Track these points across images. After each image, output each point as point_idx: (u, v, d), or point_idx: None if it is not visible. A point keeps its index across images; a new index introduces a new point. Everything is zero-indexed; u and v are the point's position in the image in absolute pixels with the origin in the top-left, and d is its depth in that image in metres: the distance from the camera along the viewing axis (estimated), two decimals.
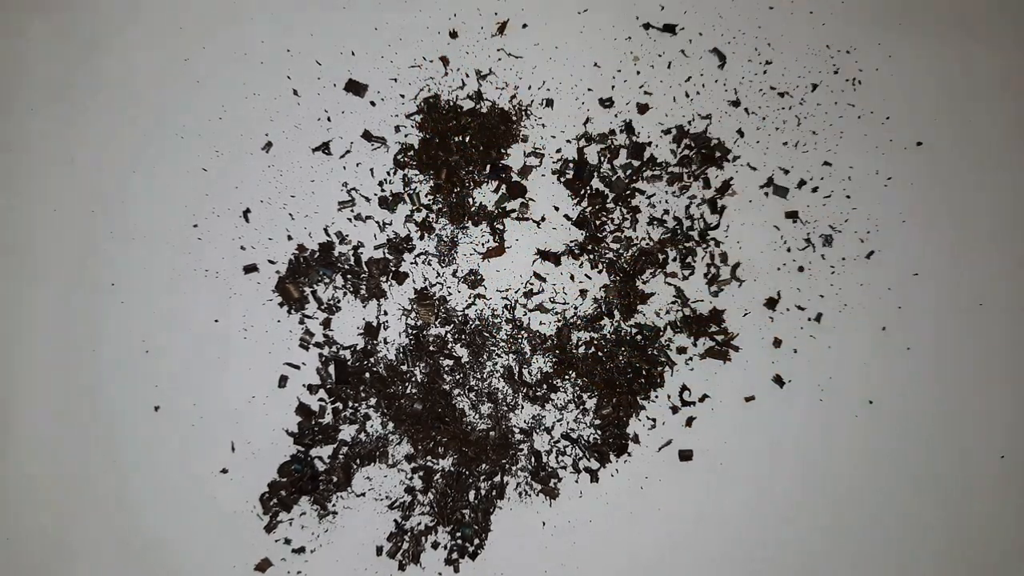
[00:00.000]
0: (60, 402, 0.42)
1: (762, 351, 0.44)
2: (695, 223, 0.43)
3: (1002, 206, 0.44)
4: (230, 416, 0.42)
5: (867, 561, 0.43)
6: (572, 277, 0.43)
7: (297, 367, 0.43)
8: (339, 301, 0.43)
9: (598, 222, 0.43)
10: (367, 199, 0.43)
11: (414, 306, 0.42)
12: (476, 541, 0.42)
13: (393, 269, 0.43)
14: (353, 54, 0.43)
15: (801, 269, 0.44)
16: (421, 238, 0.43)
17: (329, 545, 0.42)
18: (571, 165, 0.43)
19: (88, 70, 0.43)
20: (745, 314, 0.44)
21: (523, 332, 0.43)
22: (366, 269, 0.43)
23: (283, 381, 0.42)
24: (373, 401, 0.42)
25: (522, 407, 0.43)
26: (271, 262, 0.43)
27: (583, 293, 0.43)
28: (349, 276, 0.43)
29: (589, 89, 0.43)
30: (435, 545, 0.42)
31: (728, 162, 0.43)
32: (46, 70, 0.43)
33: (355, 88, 0.43)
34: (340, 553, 0.42)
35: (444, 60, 0.43)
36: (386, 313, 0.43)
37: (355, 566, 0.42)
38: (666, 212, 0.43)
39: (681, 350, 0.43)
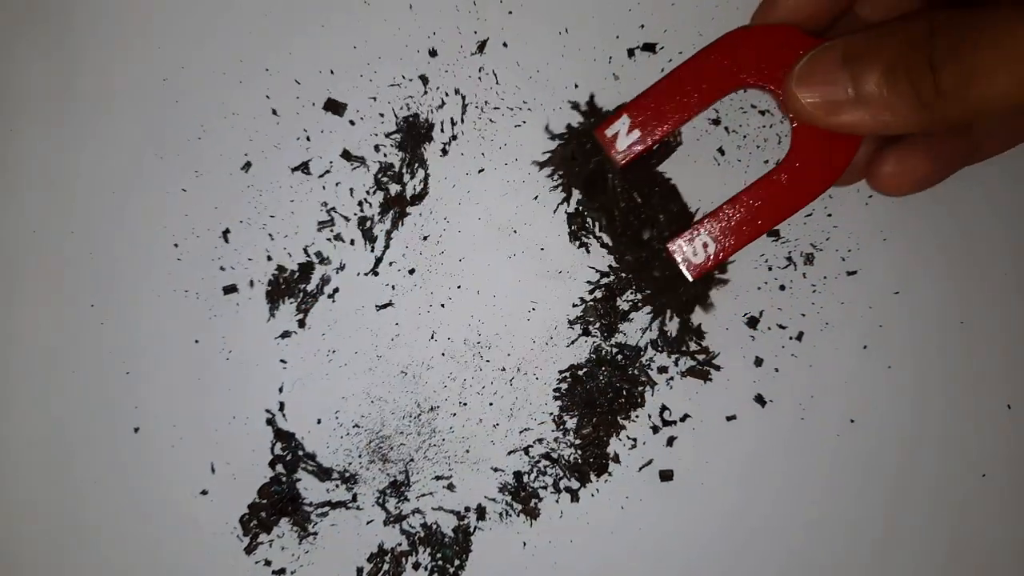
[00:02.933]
0: (38, 423, 0.42)
1: (743, 370, 0.43)
2: None
3: (984, 224, 0.44)
4: (210, 437, 0.42)
5: None
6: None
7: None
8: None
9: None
10: (346, 219, 0.43)
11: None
12: (457, 562, 0.42)
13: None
14: (332, 73, 0.43)
15: (783, 288, 0.44)
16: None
17: (310, 566, 0.42)
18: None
19: (66, 90, 0.43)
20: (726, 329, 0.44)
21: None
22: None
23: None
24: None
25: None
26: (251, 283, 0.43)
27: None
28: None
29: (572, 108, 0.43)
30: (416, 566, 0.42)
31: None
32: (24, 90, 0.43)
33: (334, 107, 0.43)
34: (320, 574, 0.42)
35: (423, 79, 0.43)
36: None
37: None
38: None
39: (662, 369, 0.43)
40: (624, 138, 0.35)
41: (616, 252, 0.42)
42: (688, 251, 0.36)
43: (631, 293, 0.43)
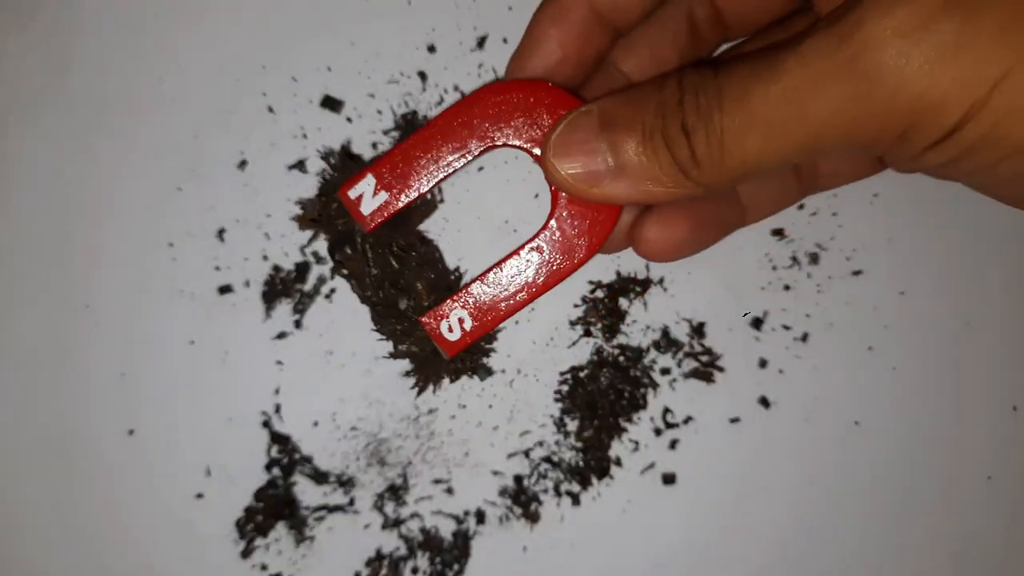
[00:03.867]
0: (31, 425, 0.42)
1: (747, 372, 0.43)
2: None
3: (990, 224, 0.43)
4: (205, 440, 0.42)
5: None
6: None
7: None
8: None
9: None
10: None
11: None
12: (456, 567, 0.42)
13: None
14: (329, 70, 0.42)
15: (787, 288, 0.43)
16: None
17: (307, 571, 0.42)
18: None
19: (61, 89, 0.42)
20: (730, 330, 0.43)
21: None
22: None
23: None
24: None
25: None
26: (247, 283, 0.42)
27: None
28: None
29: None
30: (415, 571, 0.42)
31: None
32: (18, 89, 0.42)
33: (331, 104, 0.42)
34: None
35: (422, 75, 0.42)
36: None
37: None
38: None
39: (665, 371, 0.43)
40: (370, 200, 0.32)
41: (374, 321, 0.40)
42: (443, 328, 0.33)
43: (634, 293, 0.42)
